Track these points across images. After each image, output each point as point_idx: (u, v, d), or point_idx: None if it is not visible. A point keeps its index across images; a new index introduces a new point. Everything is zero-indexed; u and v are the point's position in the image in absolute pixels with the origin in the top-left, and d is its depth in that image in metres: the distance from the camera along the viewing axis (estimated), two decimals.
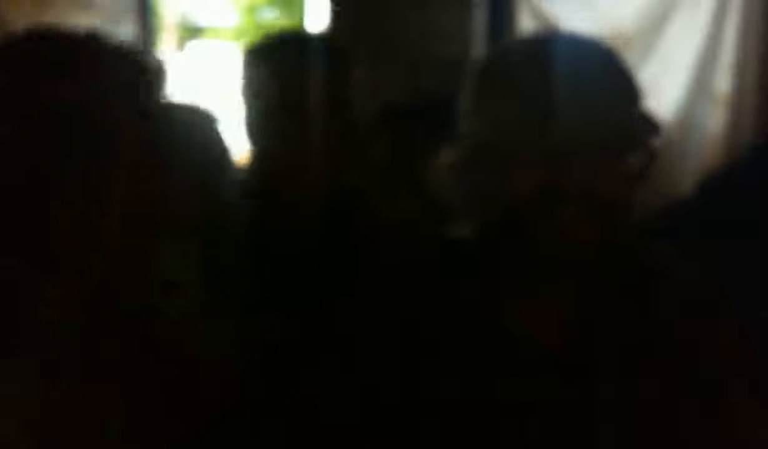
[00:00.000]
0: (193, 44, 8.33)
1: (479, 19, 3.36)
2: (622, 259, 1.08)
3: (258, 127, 1.67)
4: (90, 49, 1.06)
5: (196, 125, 1.30)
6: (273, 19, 8.51)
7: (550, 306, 1.06)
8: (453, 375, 1.06)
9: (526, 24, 3.24)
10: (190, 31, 8.48)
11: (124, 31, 3.33)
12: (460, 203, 1.12)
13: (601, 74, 1.03)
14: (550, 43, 1.07)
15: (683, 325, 1.09)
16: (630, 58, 1.10)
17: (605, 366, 1.06)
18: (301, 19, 7.05)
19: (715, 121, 2.98)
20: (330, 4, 3.40)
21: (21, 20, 2.81)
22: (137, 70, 1.06)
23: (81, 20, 3.03)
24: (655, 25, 3.05)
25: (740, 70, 3.00)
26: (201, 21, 8.64)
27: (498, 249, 1.06)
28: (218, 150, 1.33)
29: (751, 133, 2.92)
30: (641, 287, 1.10)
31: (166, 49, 7.43)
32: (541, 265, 1.02)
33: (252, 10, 8.61)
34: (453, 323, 1.08)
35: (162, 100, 1.08)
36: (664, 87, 2.98)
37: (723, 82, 3.01)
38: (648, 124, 1.05)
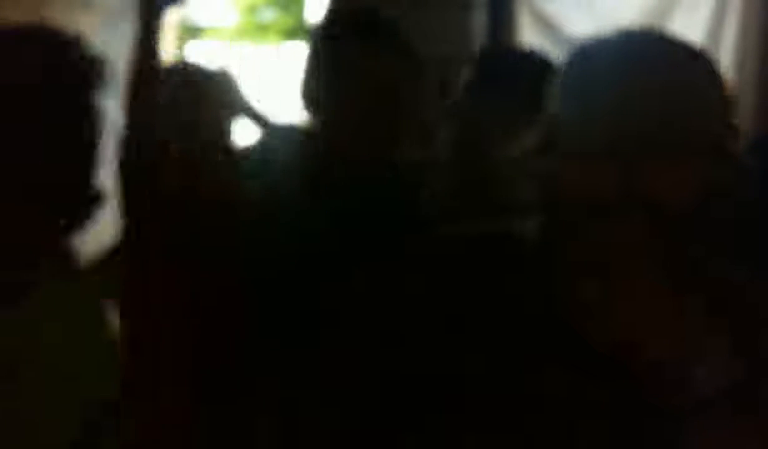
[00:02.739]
0: (193, 44, 8.32)
1: (479, 19, 3.36)
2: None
3: (331, 97, 1.85)
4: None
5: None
6: (273, 19, 8.51)
7: (606, 304, 1.05)
8: (498, 366, 1.06)
9: (526, 24, 3.24)
10: (190, 31, 8.47)
11: (124, 30, 3.33)
12: (529, 192, 1.10)
13: (690, 76, 1.01)
14: (642, 40, 1.05)
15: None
16: None
17: (659, 368, 1.05)
18: (301, 19, 7.04)
19: None
20: (329, 4, 3.40)
21: (20, 18, 2.80)
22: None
23: (81, 19, 3.03)
24: (655, 25, 3.04)
25: (740, 70, 2.99)
26: (201, 21, 8.63)
27: (556, 251, 1.04)
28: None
29: (751, 133, 2.91)
30: (687, 284, 1.09)
31: (166, 49, 7.43)
32: (598, 270, 1.00)
33: (252, 10, 8.60)
34: (503, 314, 1.08)
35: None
36: None
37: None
38: (732, 136, 1.02)
